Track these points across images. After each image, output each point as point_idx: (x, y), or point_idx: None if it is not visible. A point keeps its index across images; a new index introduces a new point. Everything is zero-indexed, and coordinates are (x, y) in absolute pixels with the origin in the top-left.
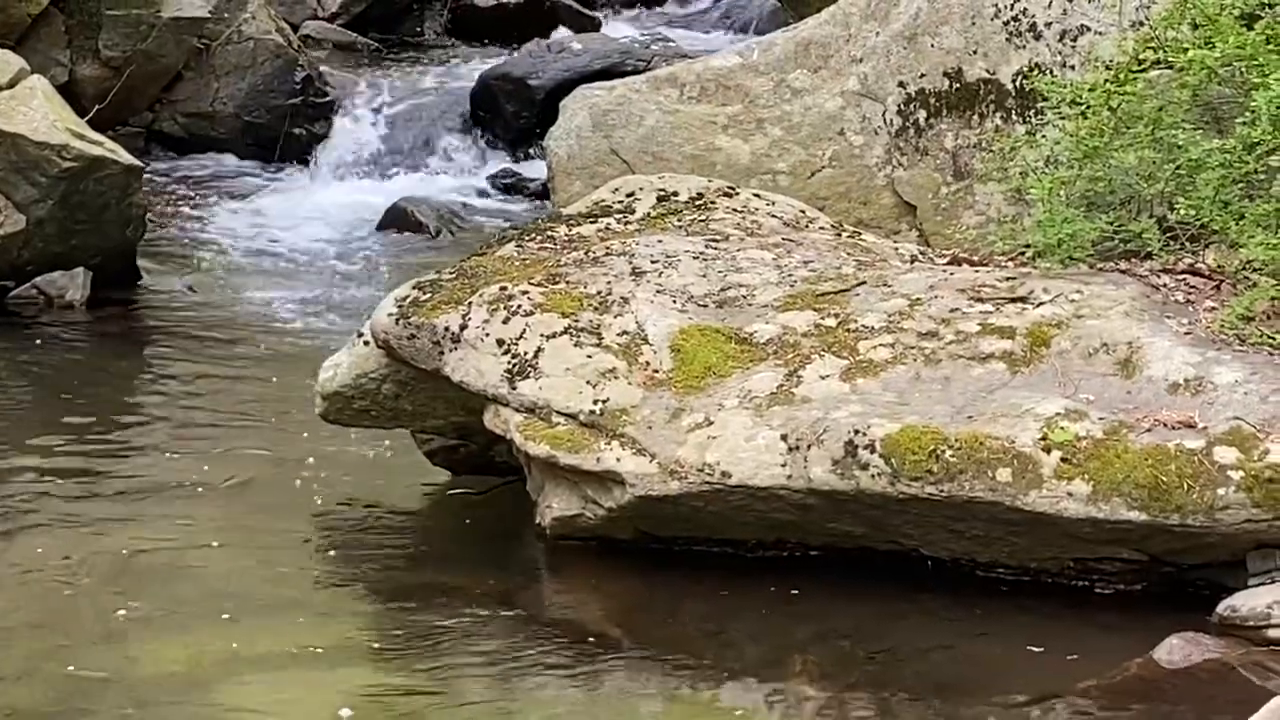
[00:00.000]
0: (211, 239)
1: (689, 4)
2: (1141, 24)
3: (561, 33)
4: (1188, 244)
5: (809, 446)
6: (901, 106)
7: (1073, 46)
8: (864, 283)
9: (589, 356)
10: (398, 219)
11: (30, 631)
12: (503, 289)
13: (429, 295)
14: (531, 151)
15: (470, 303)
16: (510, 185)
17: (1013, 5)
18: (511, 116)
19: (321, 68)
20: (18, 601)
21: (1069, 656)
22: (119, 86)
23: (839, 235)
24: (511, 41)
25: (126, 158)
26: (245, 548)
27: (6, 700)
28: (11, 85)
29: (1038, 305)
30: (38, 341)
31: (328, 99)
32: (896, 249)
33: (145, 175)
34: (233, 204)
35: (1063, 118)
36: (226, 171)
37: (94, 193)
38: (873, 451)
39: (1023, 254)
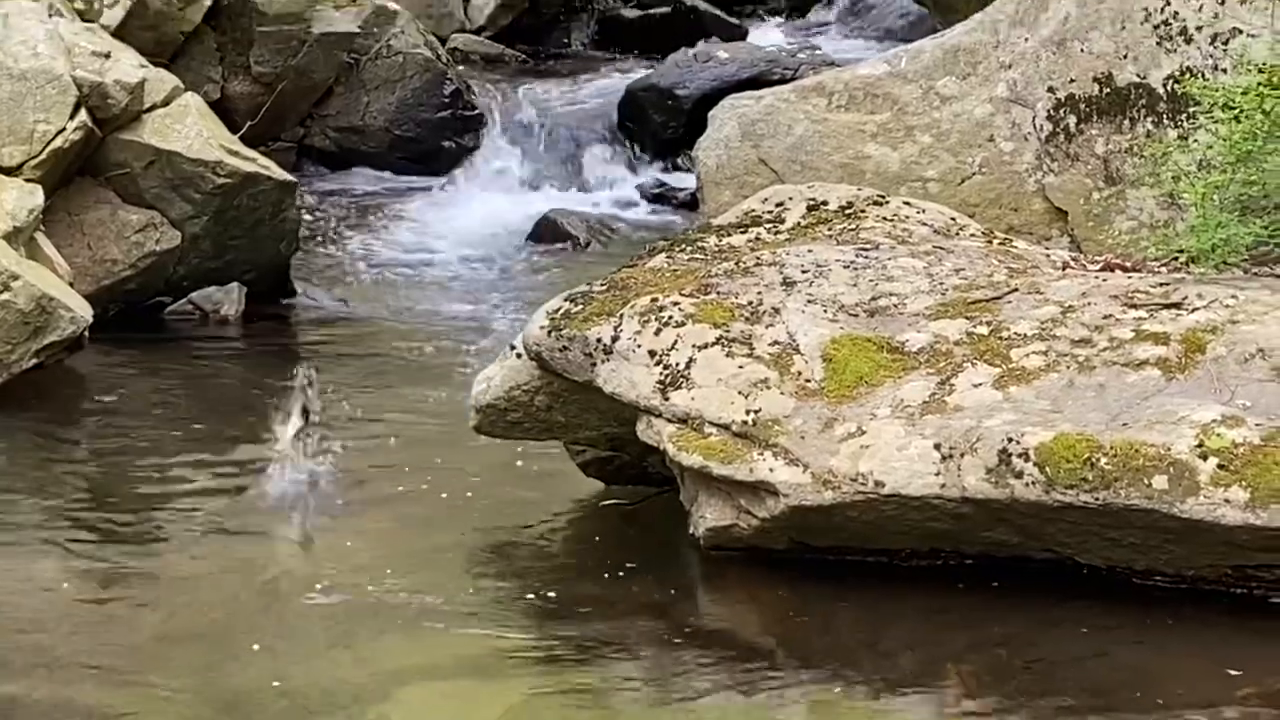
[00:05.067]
0: (363, 253)
1: (834, 11)
2: None
3: (708, 43)
4: None
5: (962, 455)
6: (1051, 112)
7: (1224, 50)
8: (1016, 290)
9: (740, 367)
10: (548, 230)
11: (191, 643)
12: (654, 300)
13: (580, 307)
14: (679, 162)
15: (621, 314)
16: (658, 195)
17: (1163, 9)
18: (659, 127)
19: (470, 81)
20: (175, 614)
21: (1228, 664)
22: (270, 102)
23: (990, 242)
24: (658, 52)
25: (279, 173)
26: (401, 560)
27: (173, 713)
28: (166, 103)
29: (1192, 311)
30: (194, 356)
31: (476, 112)
32: (1048, 255)
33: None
34: (383, 217)
35: (1215, 121)
36: (377, 186)
37: (248, 208)
38: (1027, 460)
39: (1176, 259)
